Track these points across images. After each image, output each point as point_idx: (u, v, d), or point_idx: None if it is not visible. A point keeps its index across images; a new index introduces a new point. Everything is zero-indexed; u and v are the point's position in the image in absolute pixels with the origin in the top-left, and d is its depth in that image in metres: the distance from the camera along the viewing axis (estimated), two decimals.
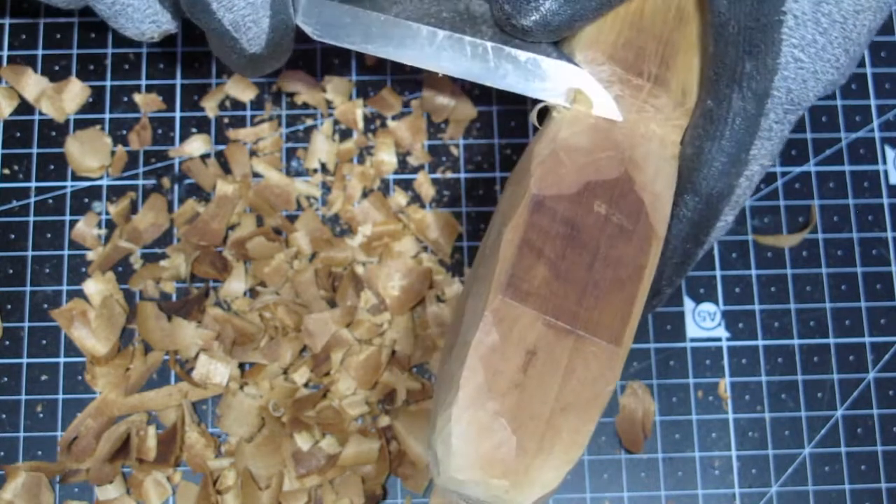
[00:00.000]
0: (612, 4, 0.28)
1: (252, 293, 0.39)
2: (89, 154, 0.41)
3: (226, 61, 0.31)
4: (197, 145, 0.41)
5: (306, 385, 0.38)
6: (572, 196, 0.27)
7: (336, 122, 0.41)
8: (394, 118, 0.42)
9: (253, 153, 0.41)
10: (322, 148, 0.41)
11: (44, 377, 0.39)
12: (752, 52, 0.26)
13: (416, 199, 0.41)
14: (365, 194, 0.41)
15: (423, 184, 0.41)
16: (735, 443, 0.39)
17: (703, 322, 0.40)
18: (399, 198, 0.40)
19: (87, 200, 0.40)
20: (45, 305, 0.39)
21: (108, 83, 0.42)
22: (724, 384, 0.40)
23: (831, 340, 0.40)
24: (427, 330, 0.39)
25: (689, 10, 0.29)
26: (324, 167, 0.41)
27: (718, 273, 0.41)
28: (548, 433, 0.25)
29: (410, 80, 0.42)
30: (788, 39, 0.26)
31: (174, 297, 0.39)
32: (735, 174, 0.28)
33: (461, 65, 0.30)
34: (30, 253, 0.40)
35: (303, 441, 0.37)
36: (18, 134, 0.41)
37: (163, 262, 0.39)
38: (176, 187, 0.41)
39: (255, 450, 0.37)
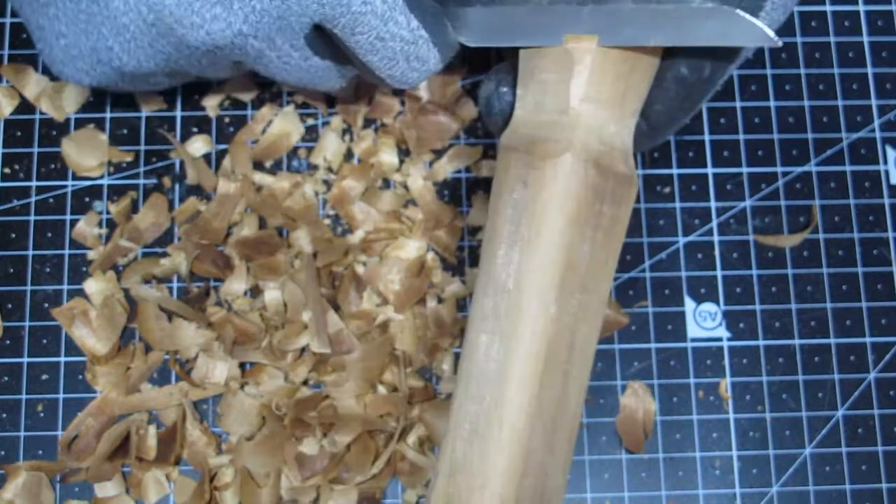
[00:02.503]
0: None
1: (253, 292, 0.39)
2: (86, 154, 0.41)
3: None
4: (198, 146, 0.41)
5: (305, 384, 0.38)
6: None
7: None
8: (394, 117, 0.42)
9: (254, 152, 0.41)
10: (331, 146, 0.41)
11: (44, 376, 0.39)
12: None
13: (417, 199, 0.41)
14: (365, 193, 0.40)
15: (427, 185, 0.41)
16: (736, 443, 0.39)
17: (704, 322, 0.40)
18: (399, 198, 0.40)
19: (87, 199, 0.40)
20: (46, 305, 0.39)
21: None
22: (725, 384, 0.40)
23: (832, 340, 0.40)
24: (428, 329, 0.39)
25: None
26: (326, 166, 0.41)
27: (719, 273, 0.41)
28: None
29: None
30: (762, 21, 0.29)
31: (174, 297, 0.39)
32: (687, 116, 0.32)
33: (613, 32, 0.30)
34: (30, 252, 0.40)
35: (307, 445, 0.37)
36: (19, 133, 0.41)
37: (163, 261, 0.39)
38: (177, 186, 0.41)
39: (254, 449, 0.37)
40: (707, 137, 0.42)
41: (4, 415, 0.38)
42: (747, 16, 0.29)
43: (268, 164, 0.41)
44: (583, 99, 0.30)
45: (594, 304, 0.30)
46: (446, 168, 0.41)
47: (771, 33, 0.29)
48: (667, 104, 0.32)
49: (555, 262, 0.29)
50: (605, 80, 0.30)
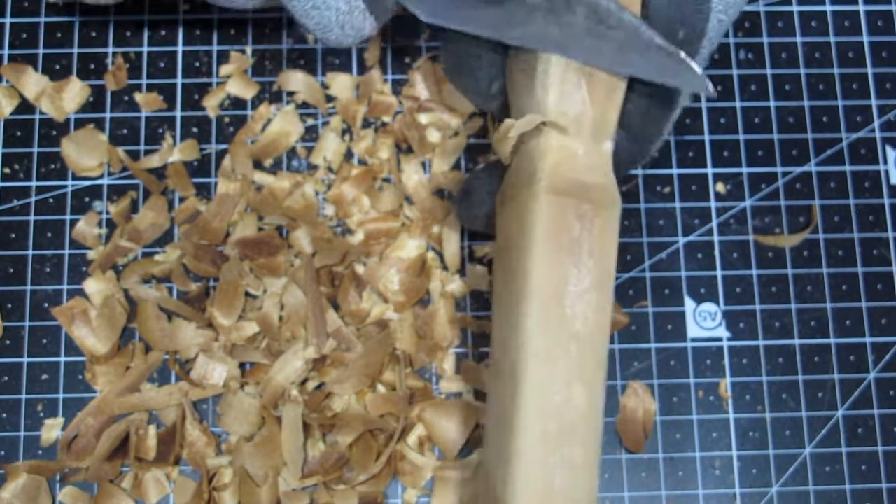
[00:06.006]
0: None
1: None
2: (86, 154, 0.41)
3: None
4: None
5: (304, 383, 0.38)
6: None
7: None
8: (394, 116, 0.42)
9: (253, 150, 0.41)
10: (331, 145, 0.41)
11: (44, 376, 0.39)
12: (686, 21, 0.30)
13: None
14: (365, 193, 0.40)
15: (423, 182, 0.41)
16: (736, 443, 0.39)
17: (704, 322, 0.40)
18: (399, 197, 0.40)
19: (87, 199, 0.40)
20: (46, 304, 0.39)
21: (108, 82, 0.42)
22: (725, 384, 0.40)
23: (832, 340, 0.40)
24: (428, 329, 0.39)
25: None
26: (326, 166, 0.41)
27: (719, 273, 0.41)
28: None
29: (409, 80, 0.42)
30: (716, 7, 0.30)
31: (174, 297, 0.39)
32: (667, 118, 0.32)
33: (562, 44, 0.30)
34: (30, 252, 0.40)
35: (308, 445, 0.37)
36: (19, 133, 0.41)
37: (157, 257, 0.39)
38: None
39: (253, 449, 0.37)
40: (707, 137, 0.42)
41: (4, 415, 0.38)
42: (690, 62, 0.29)
43: (267, 163, 0.41)
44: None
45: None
46: (442, 165, 0.41)
47: (708, 87, 0.29)
48: (636, 103, 0.31)
49: (612, 302, 0.30)
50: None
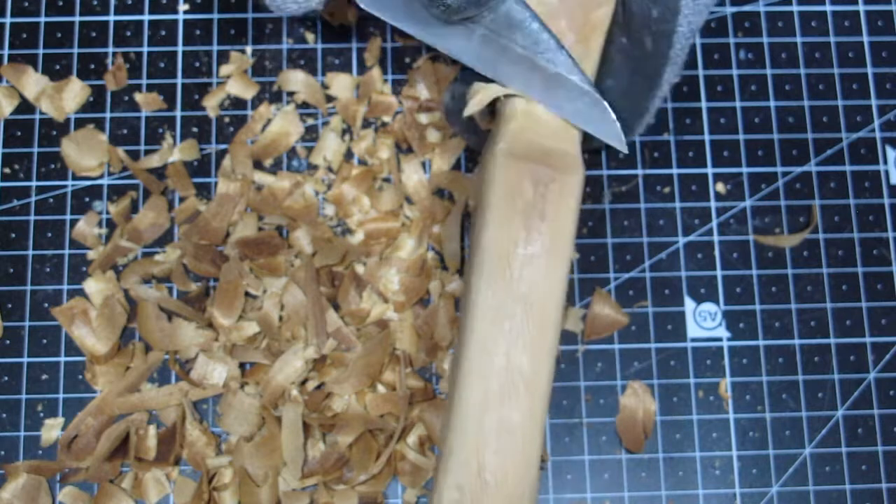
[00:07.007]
0: None
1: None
2: (86, 154, 0.41)
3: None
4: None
5: (304, 383, 0.38)
6: None
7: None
8: (394, 116, 0.42)
9: (253, 150, 0.41)
10: (331, 145, 0.41)
11: (44, 376, 0.39)
12: (658, 0, 0.30)
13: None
14: (365, 193, 0.40)
15: (423, 183, 0.41)
16: (736, 443, 0.39)
17: (704, 322, 0.40)
18: (399, 197, 0.40)
19: (87, 199, 0.40)
20: (46, 304, 0.39)
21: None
22: (725, 384, 0.40)
23: (832, 340, 0.40)
24: (428, 329, 0.39)
25: None
26: (326, 166, 0.41)
27: (719, 273, 0.41)
28: None
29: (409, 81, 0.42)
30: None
31: (174, 297, 0.39)
32: (650, 96, 0.32)
33: (494, 66, 0.31)
34: (30, 252, 0.40)
35: (308, 445, 0.37)
36: (19, 133, 0.41)
37: (158, 257, 0.39)
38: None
39: (253, 449, 0.37)
40: (707, 137, 0.42)
41: (4, 415, 0.38)
42: (610, 113, 0.30)
43: (267, 163, 0.41)
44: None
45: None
46: (442, 165, 0.41)
47: (622, 141, 0.30)
48: (617, 79, 0.32)
49: (566, 270, 0.29)
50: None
